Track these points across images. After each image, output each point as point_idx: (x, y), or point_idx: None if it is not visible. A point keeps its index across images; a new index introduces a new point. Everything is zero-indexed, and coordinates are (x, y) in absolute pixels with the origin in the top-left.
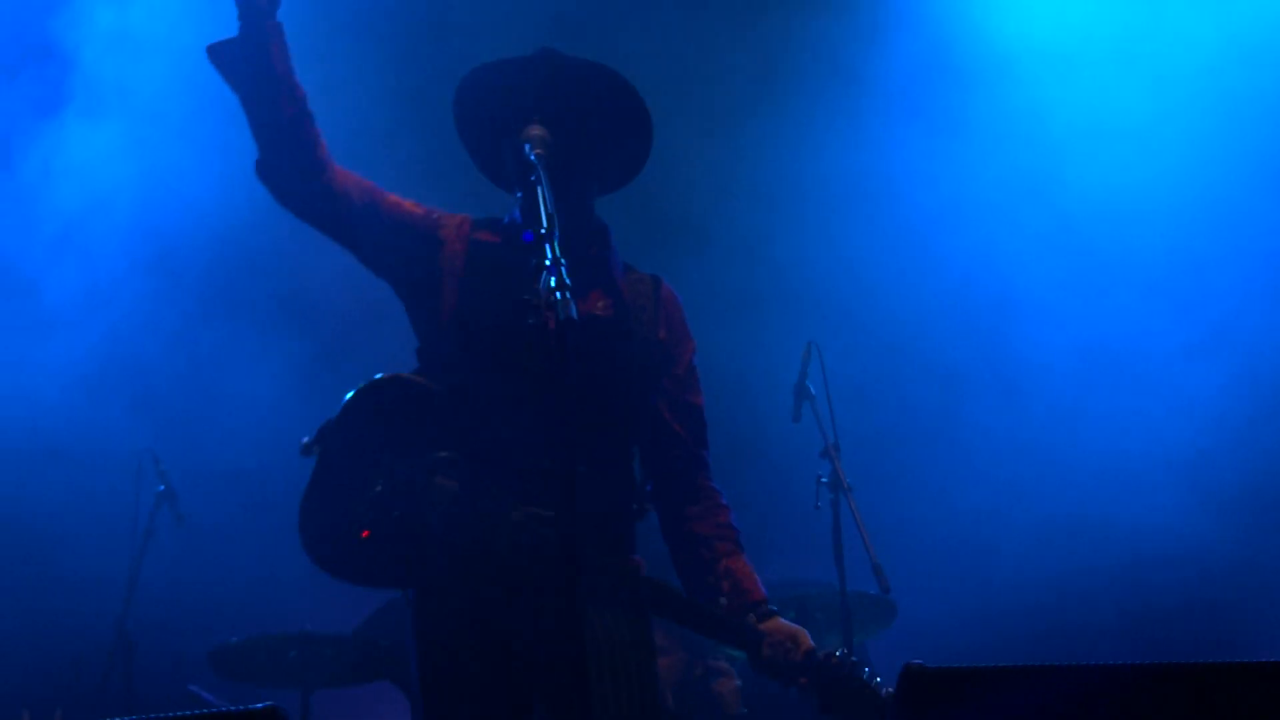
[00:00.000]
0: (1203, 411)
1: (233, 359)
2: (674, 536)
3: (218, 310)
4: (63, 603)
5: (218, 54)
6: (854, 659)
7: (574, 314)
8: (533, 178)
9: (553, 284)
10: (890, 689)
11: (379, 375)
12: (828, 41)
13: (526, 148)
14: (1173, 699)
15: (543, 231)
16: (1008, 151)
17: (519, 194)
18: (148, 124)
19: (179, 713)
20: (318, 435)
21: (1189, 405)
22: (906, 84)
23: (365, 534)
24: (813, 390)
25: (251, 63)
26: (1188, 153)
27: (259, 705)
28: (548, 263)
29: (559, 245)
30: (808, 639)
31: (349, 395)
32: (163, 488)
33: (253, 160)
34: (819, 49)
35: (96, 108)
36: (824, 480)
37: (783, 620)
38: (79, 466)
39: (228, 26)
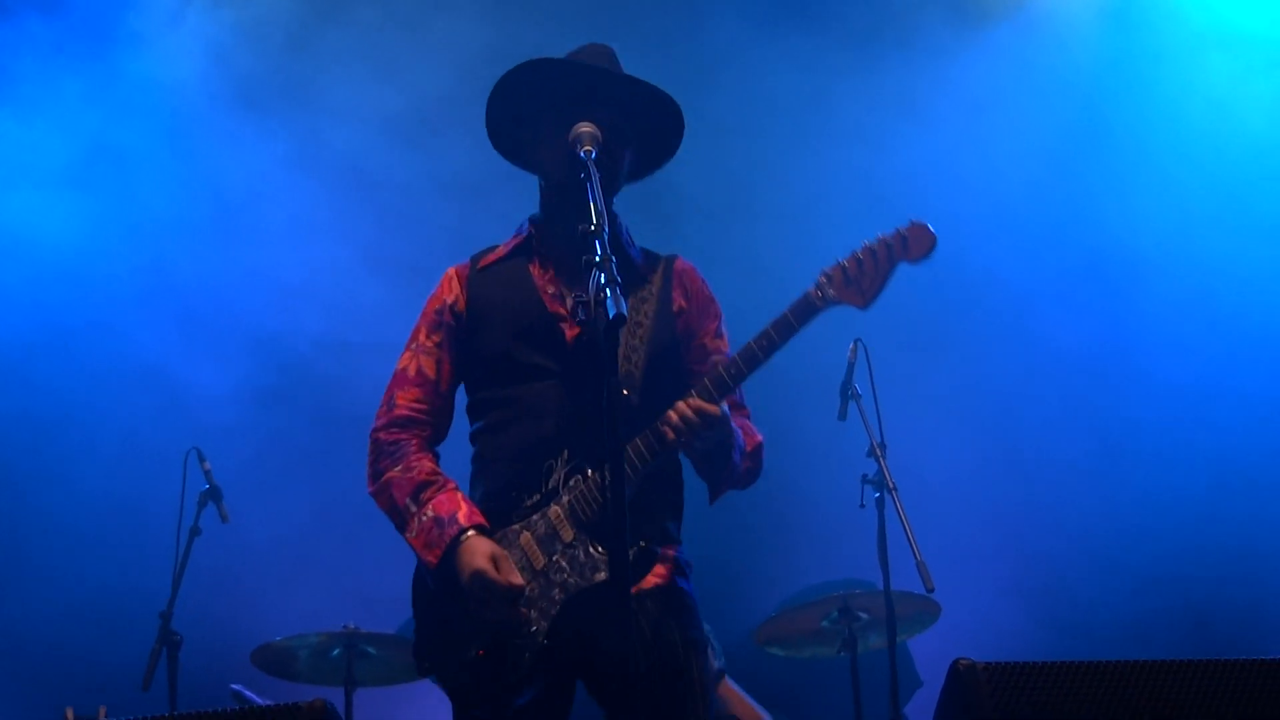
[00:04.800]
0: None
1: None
2: None
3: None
4: (108, 601)
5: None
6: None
7: (624, 310)
8: (583, 175)
9: (602, 280)
10: None
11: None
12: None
13: (576, 144)
14: (1213, 694)
15: (593, 228)
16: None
17: (548, 183)
18: None
19: (224, 709)
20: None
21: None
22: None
23: (480, 653)
24: (859, 389)
25: None
26: None
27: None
28: (597, 259)
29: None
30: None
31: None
32: (207, 486)
33: None
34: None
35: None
36: (869, 479)
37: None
38: (124, 463)
39: None
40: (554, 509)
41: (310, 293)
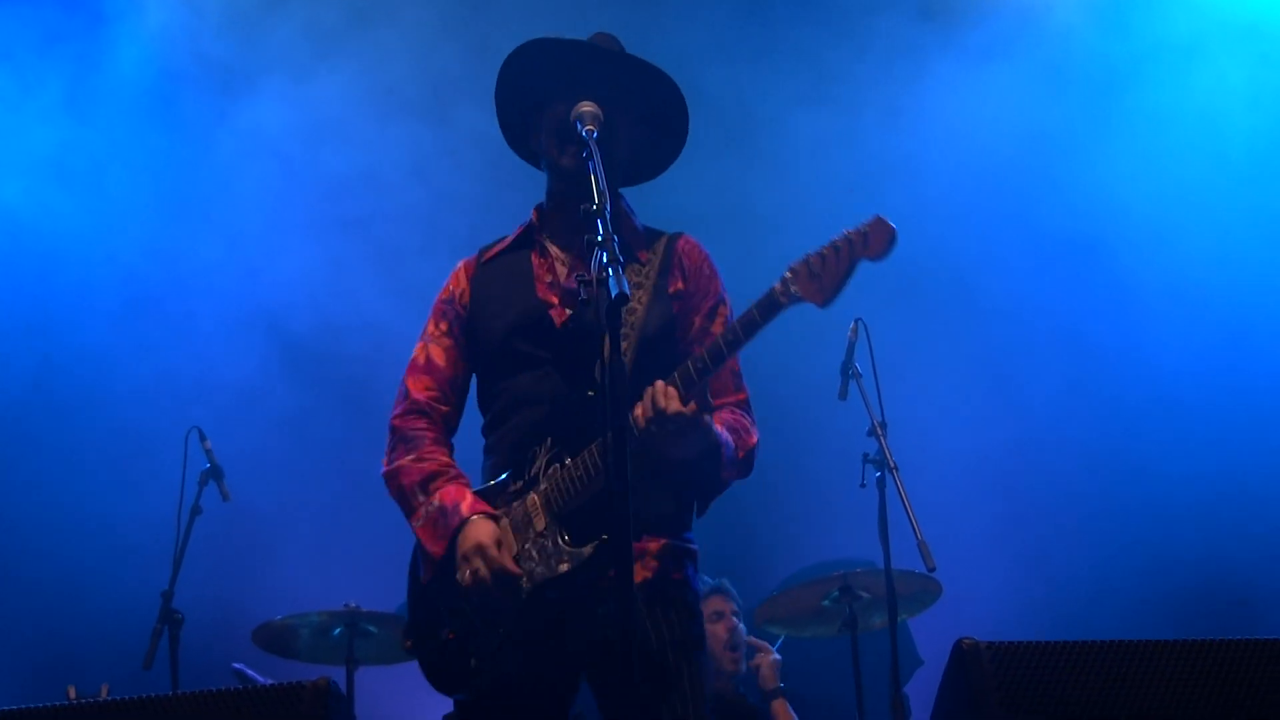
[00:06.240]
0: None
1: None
2: None
3: None
4: (110, 580)
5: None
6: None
7: (626, 289)
8: (585, 154)
9: (605, 259)
10: None
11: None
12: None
13: (578, 124)
14: (1217, 674)
15: (595, 207)
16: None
17: (550, 166)
18: None
19: (226, 688)
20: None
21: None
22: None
23: (451, 635)
24: (860, 368)
25: None
26: None
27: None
28: (600, 238)
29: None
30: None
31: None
32: (208, 465)
33: None
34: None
35: None
36: (870, 458)
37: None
38: (125, 443)
39: None
40: (531, 497)
41: (309, 276)
